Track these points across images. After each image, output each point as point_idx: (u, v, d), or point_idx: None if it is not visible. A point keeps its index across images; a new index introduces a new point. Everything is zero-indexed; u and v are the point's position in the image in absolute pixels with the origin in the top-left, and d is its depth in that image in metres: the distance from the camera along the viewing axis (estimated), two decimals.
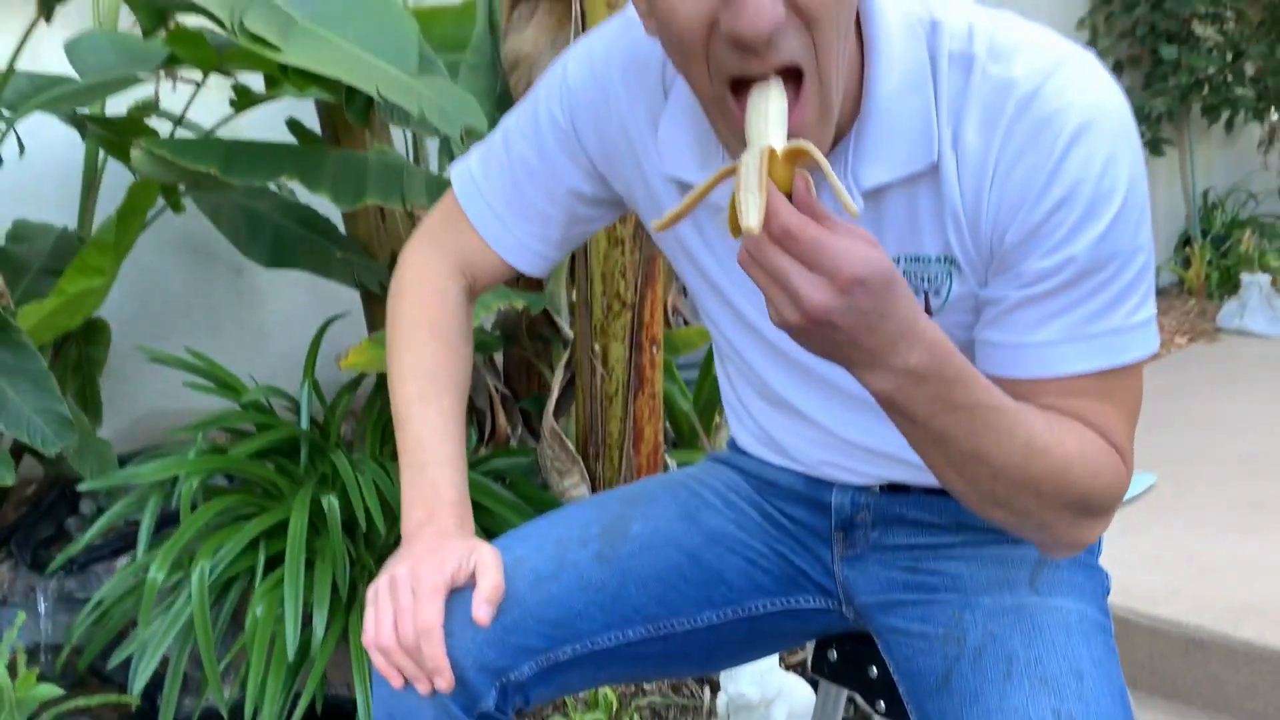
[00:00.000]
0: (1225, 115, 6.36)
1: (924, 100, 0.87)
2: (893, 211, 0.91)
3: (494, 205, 1.08)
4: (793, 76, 0.79)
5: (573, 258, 2.02)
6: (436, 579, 0.94)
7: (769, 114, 0.76)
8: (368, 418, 2.16)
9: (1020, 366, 0.88)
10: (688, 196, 0.78)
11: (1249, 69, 6.13)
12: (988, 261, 0.89)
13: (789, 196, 0.73)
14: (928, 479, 1.02)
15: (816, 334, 0.74)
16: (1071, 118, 0.83)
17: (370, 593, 0.97)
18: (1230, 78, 6.05)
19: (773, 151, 0.73)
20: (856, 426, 1.04)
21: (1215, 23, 5.91)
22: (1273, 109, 6.41)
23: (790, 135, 0.77)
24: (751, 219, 0.71)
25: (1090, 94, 0.85)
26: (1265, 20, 5.86)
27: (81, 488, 1.93)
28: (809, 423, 1.07)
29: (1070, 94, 0.84)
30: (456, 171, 1.12)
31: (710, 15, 0.77)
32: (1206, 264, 6.01)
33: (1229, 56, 5.99)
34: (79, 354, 2.39)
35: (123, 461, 2.15)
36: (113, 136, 2.17)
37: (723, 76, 0.80)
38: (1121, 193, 0.84)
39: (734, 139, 0.83)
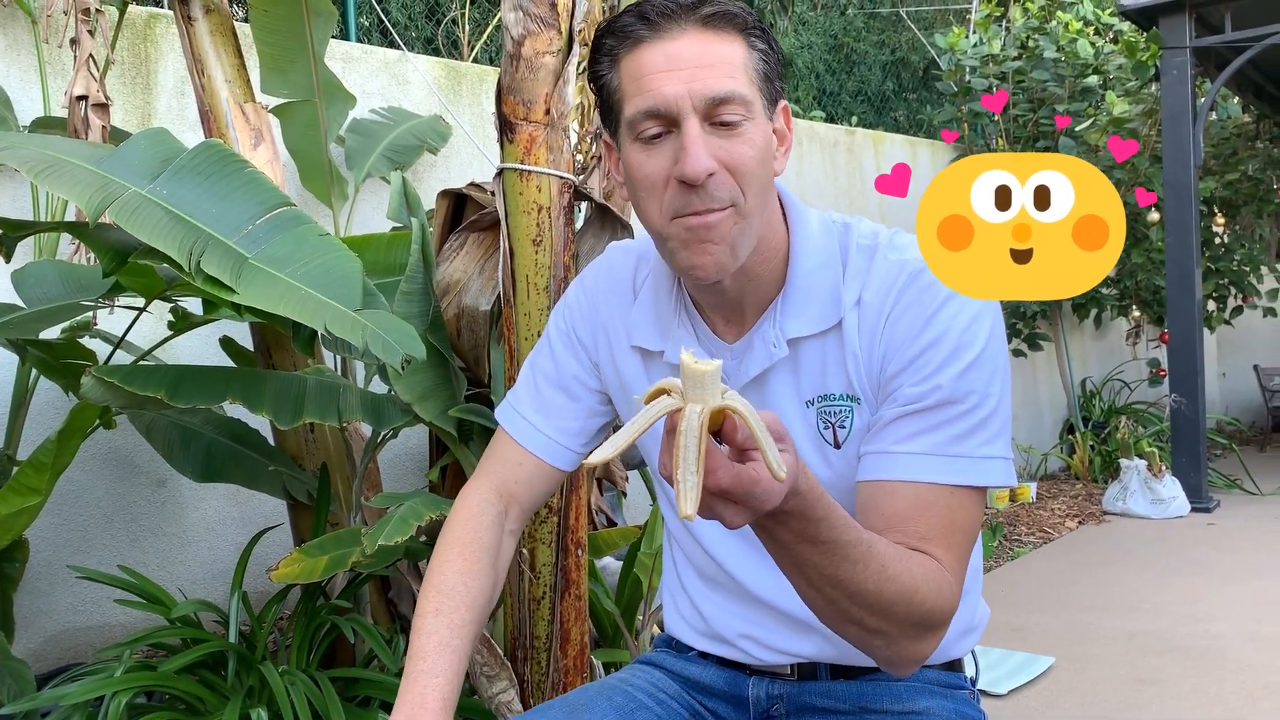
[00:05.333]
0: (1093, 312, 6.92)
1: (834, 276, 1.15)
2: (808, 358, 1.15)
3: (525, 414, 1.31)
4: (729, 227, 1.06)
5: None
6: None
7: (705, 379, 0.81)
8: (295, 628, 2.17)
9: (888, 470, 1.07)
10: (633, 424, 0.82)
11: (1110, 271, 6.71)
12: (877, 391, 1.12)
13: (719, 431, 0.84)
14: (834, 652, 1.20)
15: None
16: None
17: None
18: None
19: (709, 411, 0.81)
20: (777, 589, 1.18)
21: None
22: (1134, 306, 6.99)
23: (717, 241, 1.05)
24: (688, 507, 0.79)
25: None
26: None
27: (2, 712, 1.90)
28: (736, 591, 1.24)
29: None
30: (500, 407, 1.35)
31: (667, 170, 1.06)
32: (1089, 450, 6.38)
33: None
34: None
35: (39, 682, 2.12)
36: (50, 359, 2.25)
37: (671, 213, 1.07)
38: (981, 343, 1.07)
39: (673, 257, 1.10)
